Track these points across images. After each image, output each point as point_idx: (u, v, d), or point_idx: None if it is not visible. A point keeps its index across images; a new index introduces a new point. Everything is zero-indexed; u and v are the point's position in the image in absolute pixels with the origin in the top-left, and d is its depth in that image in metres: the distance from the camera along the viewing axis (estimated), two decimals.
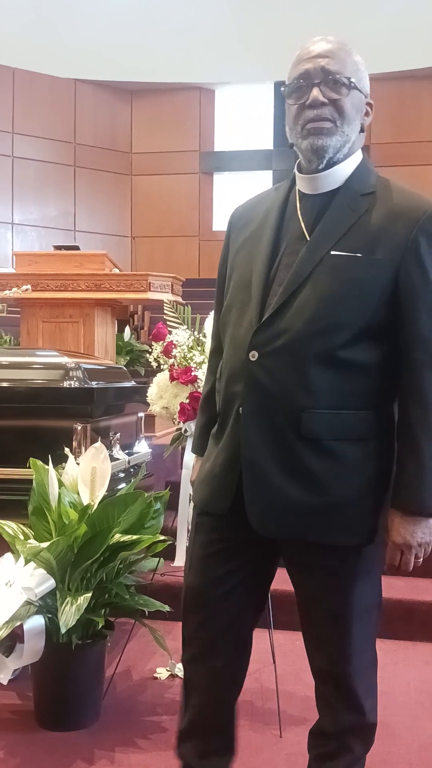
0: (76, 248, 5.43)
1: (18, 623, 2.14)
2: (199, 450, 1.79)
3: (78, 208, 10.40)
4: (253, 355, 1.55)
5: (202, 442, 1.77)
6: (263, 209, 1.67)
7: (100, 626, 2.28)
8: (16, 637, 2.16)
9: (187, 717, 1.70)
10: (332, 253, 1.53)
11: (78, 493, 2.37)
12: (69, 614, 2.15)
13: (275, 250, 1.60)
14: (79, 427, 2.65)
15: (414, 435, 1.53)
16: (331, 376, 1.52)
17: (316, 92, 1.53)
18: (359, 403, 1.54)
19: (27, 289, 3.60)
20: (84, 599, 2.16)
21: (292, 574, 1.66)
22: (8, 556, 2.30)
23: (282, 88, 1.60)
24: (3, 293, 3.12)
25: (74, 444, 2.63)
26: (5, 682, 2.22)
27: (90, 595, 2.19)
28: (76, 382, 2.70)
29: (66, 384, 2.69)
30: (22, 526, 2.36)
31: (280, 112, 9.37)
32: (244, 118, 10.74)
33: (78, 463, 2.42)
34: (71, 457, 2.47)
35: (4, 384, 2.69)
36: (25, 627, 2.16)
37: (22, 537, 2.33)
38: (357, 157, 1.61)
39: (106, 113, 10.53)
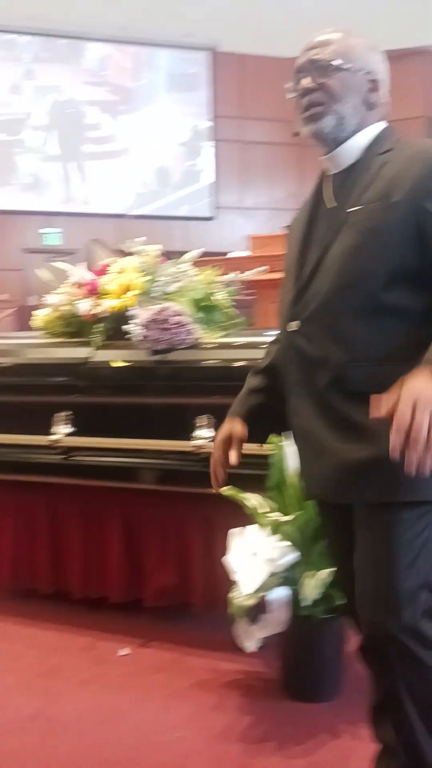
0: None
1: (264, 593, 2.21)
2: (233, 412, 1.81)
3: (306, 187, 10.42)
4: (292, 326, 1.61)
5: (237, 406, 1.81)
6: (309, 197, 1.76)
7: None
8: (262, 606, 2.23)
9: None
10: (351, 209, 1.56)
11: None
12: (310, 588, 2.18)
13: (309, 228, 1.67)
14: None
15: None
16: (368, 328, 1.51)
17: (305, 81, 1.63)
18: (405, 353, 1.45)
19: (264, 270, 3.68)
20: (326, 574, 2.18)
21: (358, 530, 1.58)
22: (254, 527, 2.38)
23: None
24: (242, 275, 3.22)
25: None
26: (253, 649, 2.30)
27: (332, 570, 2.20)
28: None
29: None
30: (263, 498, 2.42)
31: None
32: None
33: None
34: None
35: (240, 363, 2.77)
36: (271, 597, 2.23)
37: (264, 510, 2.39)
38: (373, 130, 1.65)
39: None
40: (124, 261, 3.05)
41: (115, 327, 2.91)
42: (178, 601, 2.86)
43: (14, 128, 11.01)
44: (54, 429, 2.87)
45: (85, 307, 2.98)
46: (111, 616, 2.96)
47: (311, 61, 1.63)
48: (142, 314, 2.77)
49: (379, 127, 1.66)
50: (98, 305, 2.96)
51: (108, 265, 3.08)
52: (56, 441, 2.86)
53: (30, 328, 3.33)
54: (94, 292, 3.01)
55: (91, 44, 11.23)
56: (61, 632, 2.90)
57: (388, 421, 1.32)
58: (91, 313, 2.96)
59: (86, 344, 2.96)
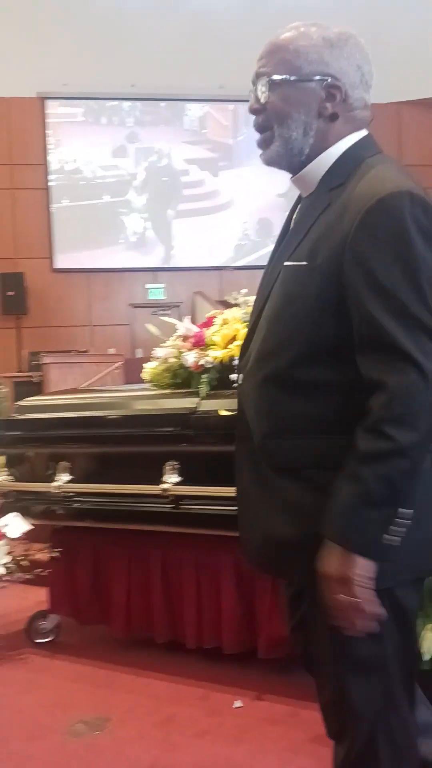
0: None
1: None
2: None
3: None
4: (238, 378, 1.50)
5: None
6: None
7: None
8: None
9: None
10: (286, 264, 1.39)
11: None
12: (430, 641, 2.11)
13: (269, 265, 1.52)
14: None
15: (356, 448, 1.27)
16: (289, 399, 1.36)
17: (250, 101, 1.43)
18: (329, 427, 1.33)
19: None
20: None
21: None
22: None
23: None
24: None
25: None
26: None
27: None
28: None
29: None
30: None
31: None
32: None
33: None
34: None
35: None
36: None
37: None
38: (339, 148, 1.40)
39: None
40: (227, 312, 3.11)
41: (220, 377, 2.96)
42: (292, 652, 2.82)
43: (120, 189, 11.47)
44: (163, 478, 2.92)
45: (191, 358, 3.04)
46: (224, 667, 2.95)
47: (256, 75, 1.41)
48: None
49: (349, 141, 1.41)
50: (204, 356, 3.01)
51: (213, 317, 3.14)
52: (166, 490, 2.90)
53: (137, 381, 3.42)
54: (200, 343, 3.08)
55: (190, 104, 11.64)
56: (176, 682, 2.90)
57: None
58: (198, 363, 3.02)
59: (193, 395, 3.02)
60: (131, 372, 8.82)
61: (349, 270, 1.28)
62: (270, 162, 1.44)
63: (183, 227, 11.62)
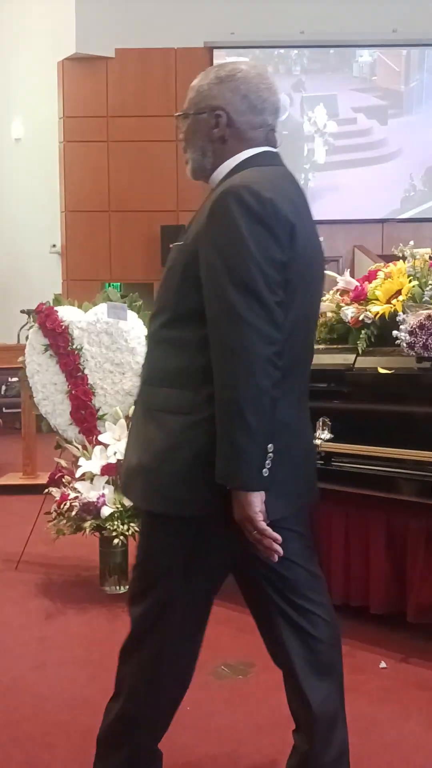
0: None
1: None
2: None
3: None
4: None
5: None
6: None
7: None
8: None
9: None
10: (172, 245, 1.71)
11: None
12: None
13: None
14: None
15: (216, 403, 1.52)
16: (157, 354, 1.69)
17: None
18: (180, 379, 1.60)
19: None
20: None
21: None
22: None
23: None
24: None
25: None
26: None
27: None
28: None
29: None
30: None
31: None
32: None
33: None
34: None
35: None
36: None
37: None
38: (232, 162, 1.69)
39: None
40: (392, 266, 3.00)
41: (379, 333, 2.87)
42: None
43: (286, 141, 11.31)
44: (315, 434, 2.88)
45: (350, 313, 2.96)
46: (370, 627, 2.92)
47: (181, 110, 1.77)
48: (409, 320, 2.69)
49: (242, 156, 1.69)
50: (363, 311, 2.93)
51: (377, 271, 3.04)
52: (317, 446, 2.87)
53: None
54: (360, 298, 2.99)
55: (360, 50, 11.24)
56: None
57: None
58: (357, 318, 2.94)
59: (350, 351, 2.95)
60: None
61: (201, 249, 1.57)
62: (191, 176, 1.79)
63: (346, 178, 11.31)
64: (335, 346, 3.06)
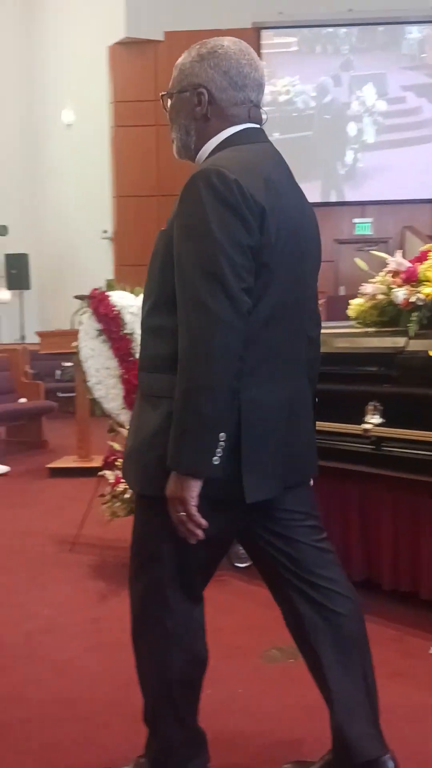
0: None
1: None
2: None
3: None
4: None
5: None
6: None
7: None
8: None
9: None
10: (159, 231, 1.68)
11: None
12: None
13: None
14: None
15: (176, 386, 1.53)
16: (147, 340, 1.69)
17: None
18: (163, 365, 1.61)
19: None
20: None
21: None
22: None
23: None
24: None
25: None
26: None
27: None
28: None
29: None
30: None
31: None
32: None
33: None
34: None
35: None
36: None
37: None
38: (214, 141, 1.68)
39: None
40: None
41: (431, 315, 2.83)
42: None
43: (332, 120, 11.18)
44: (365, 418, 2.87)
45: (401, 295, 2.93)
46: (420, 612, 2.91)
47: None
48: None
49: (224, 135, 1.67)
50: (415, 293, 2.89)
51: (428, 251, 3.00)
52: (367, 431, 2.86)
53: (339, 318, 3.36)
54: (411, 279, 2.96)
55: (409, 27, 11.01)
56: (369, 621, 2.87)
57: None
58: (408, 300, 2.90)
59: (400, 334, 2.91)
60: (334, 309, 8.72)
61: (174, 233, 1.57)
62: (177, 155, 1.78)
63: (395, 158, 11.14)
64: (384, 329, 3.03)
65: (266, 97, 10.00)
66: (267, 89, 11.25)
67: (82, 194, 11.63)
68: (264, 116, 1.75)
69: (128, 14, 10.60)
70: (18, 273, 12.09)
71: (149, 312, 1.68)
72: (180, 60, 1.73)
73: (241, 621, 2.97)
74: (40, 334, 6.48)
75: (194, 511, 1.54)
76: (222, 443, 1.51)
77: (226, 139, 1.67)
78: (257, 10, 10.62)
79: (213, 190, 1.51)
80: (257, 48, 10.95)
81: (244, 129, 1.69)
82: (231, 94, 1.67)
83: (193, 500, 1.53)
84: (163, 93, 1.76)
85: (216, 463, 1.51)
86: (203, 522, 1.56)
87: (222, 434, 1.51)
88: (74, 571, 3.65)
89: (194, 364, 1.48)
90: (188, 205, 1.54)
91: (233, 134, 1.68)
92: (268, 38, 11.10)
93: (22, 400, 7.70)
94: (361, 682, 1.77)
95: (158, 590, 1.71)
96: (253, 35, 10.91)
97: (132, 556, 1.77)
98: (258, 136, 1.70)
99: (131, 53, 10.83)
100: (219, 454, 1.51)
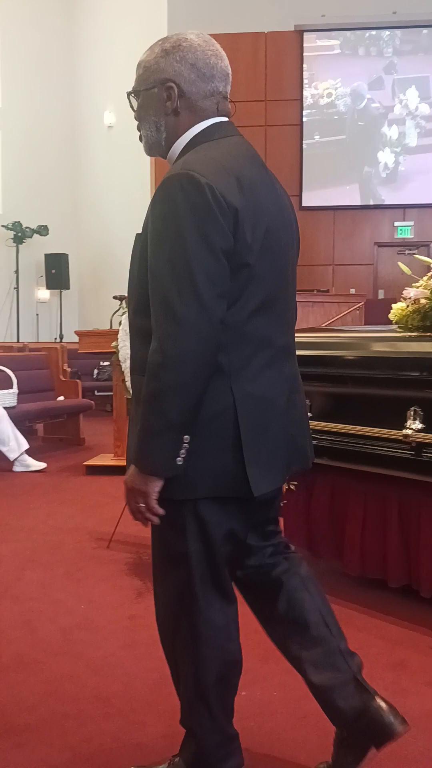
0: None
1: None
2: None
3: None
4: None
5: None
6: None
7: None
8: None
9: None
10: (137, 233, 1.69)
11: None
12: None
13: None
14: None
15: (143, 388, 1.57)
16: (135, 343, 1.70)
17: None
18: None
19: None
20: None
21: None
22: None
23: None
24: None
25: None
26: None
27: None
28: None
29: None
30: None
31: None
32: None
33: None
34: None
35: None
36: None
37: None
38: (187, 136, 1.68)
39: None
40: None
41: None
42: None
43: (374, 123, 11.11)
44: (406, 424, 2.84)
45: None
46: None
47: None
48: None
49: (196, 129, 1.67)
50: None
51: None
52: (407, 436, 2.83)
53: (377, 322, 3.34)
54: None
55: None
56: (408, 628, 2.88)
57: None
58: None
59: None
60: (372, 313, 8.66)
61: (148, 235, 1.58)
62: (147, 153, 1.78)
63: None
64: (427, 334, 2.99)
65: (307, 100, 10.11)
66: (308, 92, 11.29)
67: (121, 195, 11.71)
68: (233, 108, 1.76)
69: (170, 17, 10.65)
70: (58, 273, 12.21)
71: (134, 314, 1.69)
72: (143, 57, 1.72)
73: None
74: (79, 334, 6.53)
75: (155, 503, 1.61)
76: (186, 444, 1.55)
77: (197, 134, 1.67)
78: (300, 12, 10.60)
79: (185, 195, 1.51)
80: (299, 50, 10.92)
81: (215, 123, 1.69)
82: (200, 87, 1.67)
83: (154, 495, 1.60)
84: (128, 92, 1.75)
85: (179, 463, 1.55)
86: (160, 510, 1.62)
87: (186, 436, 1.55)
88: (110, 568, 3.68)
89: (161, 368, 1.50)
90: (161, 211, 1.54)
91: (204, 129, 1.67)
92: (310, 41, 11.07)
93: (61, 398, 7.77)
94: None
95: (187, 591, 1.71)
96: (295, 38, 10.89)
97: (155, 560, 1.78)
98: (228, 130, 1.69)
99: None
100: (183, 455, 1.55)
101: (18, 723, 2.26)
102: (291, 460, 1.75)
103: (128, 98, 1.76)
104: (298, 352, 3.35)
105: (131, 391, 1.84)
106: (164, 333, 1.50)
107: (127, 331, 3.83)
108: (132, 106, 1.76)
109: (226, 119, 1.72)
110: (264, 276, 1.61)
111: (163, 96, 1.68)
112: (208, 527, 1.68)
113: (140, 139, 1.76)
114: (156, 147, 1.74)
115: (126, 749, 2.12)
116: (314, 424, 3.10)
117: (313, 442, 3.10)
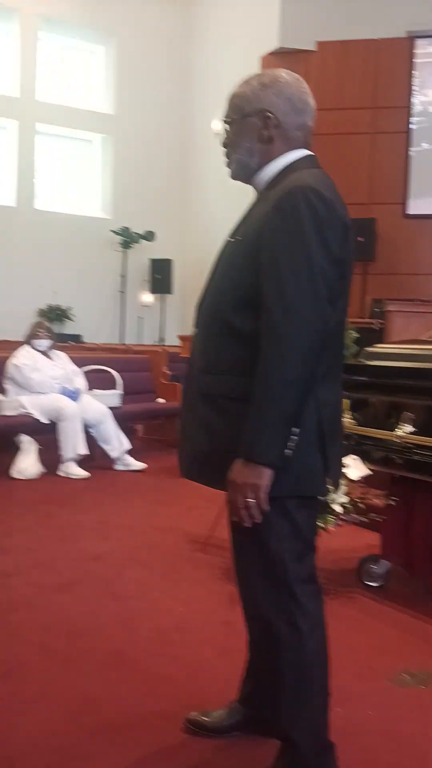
0: None
1: None
2: None
3: None
4: (194, 330, 1.91)
5: None
6: None
7: None
8: None
9: None
10: (229, 239, 1.86)
11: None
12: None
13: (222, 248, 1.92)
14: None
15: (257, 383, 1.65)
16: (218, 343, 1.79)
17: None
18: (237, 368, 1.74)
19: None
20: None
21: None
22: None
23: None
24: None
25: None
26: None
27: None
28: None
29: None
30: None
31: None
32: None
33: None
34: None
35: None
36: None
37: None
38: (281, 162, 1.83)
39: None
40: None
41: None
42: None
43: None
44: None
45: None
46: None
47: (224, 120, 1.90)
48: None
49: (288, 158, 1.83)
50: None
51: None
52: None
53: None
54: None
55: None
56: None
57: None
58: None
59: None
60: None
61: (264, 240, 1.69)
62: (233, 177, 1.93)
63: None
64: None
65: (416, 107, 9.89)
66: (416, 99, 11.01)
67: (226, 203, 11.75)
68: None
69: (282, 24, 10.67)
70: (162, 278, 12.43)
71: (229, 316, 1.78)
72: (238, 90, 1.88)
73: (372, 640, 2.93)
74: (181, 338, 6.63)
75: (266, 497, 1.67)
76: (294, 437, 1.66)
77: (292, 163, 1.83)
78: (412, 18, 10.40)
79: (312, 207, 1.66)
80: (410, 57, 10.73)
81: (308, 156, 1.86)
82: (293, 119, 1.84)
83: (267, 488, 1.66)
84: (225, 119, 1.90)
85: (288, 455, 1.66)
86: (267, 507, 1.68)
87: (296, 429, 1.66)
88: (205, 571, 3.72)
89: (282, 364, 1.62)
90: (288, 218, 1.67)
91: (298, 159, 1.84)
92: (422, 47, 10.85)
93: (160, 400, 7.91)
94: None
95: (285, 590, 1.79)
96: (406, 44, 10.70)
97: (245, 564, 1.86)
98: (316, 163, 1.86)
99: (283, 63, 10.86)
100: (291, 447, 1.66)
101: (115, 721, 2.31)
102: (339, 467, 1.93)
103: (224, 123, 1.92)
104: (398, 364, 3.33)
105: (191, 390, 1.90)
106: (285, 330, 1.63)
107: None
108: (226, 133, 1.91)
109: (312, 153, 1.88)
110: (346, 291, 1.79)
111: (259, 124, 1.84)
112: (299, 525, 1.79)
113: (227, 165, 1.92)
114: (244, 170, 1.89)
115: (220, 758, 2.14)
116: (419, 439, 3.06)
117: (416, 457, 3.09)
